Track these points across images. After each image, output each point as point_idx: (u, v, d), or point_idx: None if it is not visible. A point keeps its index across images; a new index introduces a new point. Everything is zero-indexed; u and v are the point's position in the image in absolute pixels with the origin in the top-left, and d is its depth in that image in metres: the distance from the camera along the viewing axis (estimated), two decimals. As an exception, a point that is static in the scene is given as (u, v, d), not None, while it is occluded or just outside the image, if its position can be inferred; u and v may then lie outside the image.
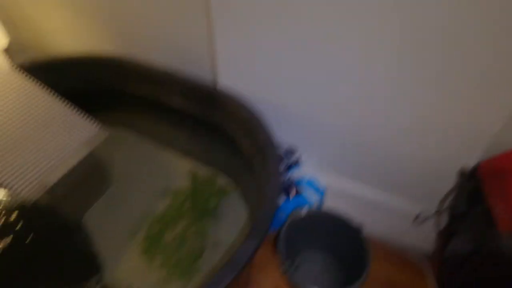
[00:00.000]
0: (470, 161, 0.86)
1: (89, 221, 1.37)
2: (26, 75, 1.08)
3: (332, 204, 1.29)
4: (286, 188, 1.20)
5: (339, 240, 1.14)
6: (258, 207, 0.95)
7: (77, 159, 1.37)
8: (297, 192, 1.18)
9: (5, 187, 1.26)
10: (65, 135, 1.26)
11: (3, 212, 1.27)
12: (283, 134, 1.09)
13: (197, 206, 1.19)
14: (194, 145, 1.51)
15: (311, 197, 1.25)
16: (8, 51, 1.19)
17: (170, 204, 1.25)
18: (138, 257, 1.23)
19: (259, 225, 0.88)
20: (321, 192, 1.24)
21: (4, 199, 1.31)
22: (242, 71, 1.00)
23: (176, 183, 1.36)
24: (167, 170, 1.45)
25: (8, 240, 1.17)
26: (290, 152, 1.17)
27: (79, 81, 1.25)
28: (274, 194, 0.95)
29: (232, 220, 1.31)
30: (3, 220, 1.25)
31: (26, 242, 1.22)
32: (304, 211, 1.16)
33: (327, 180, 1.30)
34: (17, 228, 1.23)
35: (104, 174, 1.46)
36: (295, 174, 1.17)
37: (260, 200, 0.97)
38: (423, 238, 1.10)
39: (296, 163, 1.17)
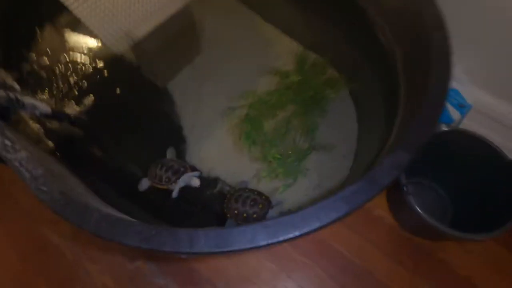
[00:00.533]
0: None
1: (175, 89, 1.23)
2: None
3: (473, 125, 1.01)
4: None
5: (478, 170, 0.89)
6: (411, 115, 0.71)
7: (169, 12, 1.15)
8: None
9: (93, 36, 1.12)
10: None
11: (91, 59, 1.16)
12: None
13: (303, 95, 0.96)
14: (303, 24, 1.21)
15: (452, 113, 0.96)
16: None
17: (273, 88, 1.04)
18: (229, 141, 1.10)
19: (412, 137, 0.64)
20: (464, 108, 0.94)
21: (93, 46, 1.19)
22: None
23: (279, 63, 1.13)
24: (269, 47, 1.20)
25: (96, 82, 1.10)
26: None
27: None
28: (436, 105, 0.68)
29: (339, 122, 1.10)
30: (91, 67, 1.14)
31: (114, 94, 1.14)
32: (441, 128, 0.90)
33: (472, 96, 0.99)
34: (105, 75, 1.13)
35: (196, 38, 1.25)
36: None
37: (415, 106, 0.71)
38: None
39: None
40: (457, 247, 1.09)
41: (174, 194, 0.93)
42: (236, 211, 0.82)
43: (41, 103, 0.83)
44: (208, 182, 0.95)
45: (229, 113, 0.98)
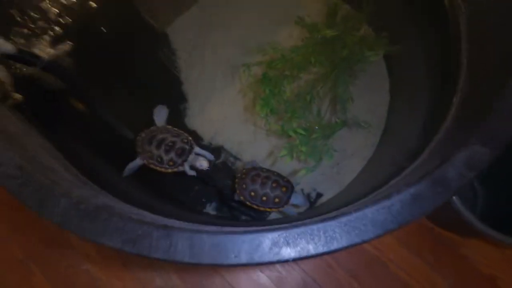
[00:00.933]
0: None
1: (177, 36, 1.03)
2: None
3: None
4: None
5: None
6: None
7: None
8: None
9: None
10: None
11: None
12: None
13: (335, 55, 0.78)
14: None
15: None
16: None
17: (297, 42, 0.84)
18: (240, 105, 0.93)
19: (497, 127, 0.48)
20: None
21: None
22: None
23: (304, 12, 0.92)
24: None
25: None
26: None
27: None
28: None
29: (368, 92, 0.92)
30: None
31: (102, 36, 0.93)
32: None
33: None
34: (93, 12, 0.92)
35: None
36: None
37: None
38: None
39: None
40: (481, 243, 0.98)
41: (189, 172, 0.75)
42: (252, 193, 0.72)
43: (2, 40, 0.63)
44: (211, 151, 0.79)
45: (242, 71, 0.79)
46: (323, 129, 0.69)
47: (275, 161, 0.83)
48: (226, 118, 0.94)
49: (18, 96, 0.66)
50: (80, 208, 0.42)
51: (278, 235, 0.41)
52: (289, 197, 0.72)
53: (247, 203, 0.74)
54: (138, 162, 0.76)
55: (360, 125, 0.77)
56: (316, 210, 0.83)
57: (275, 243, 0.41)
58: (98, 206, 0.43)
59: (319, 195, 0.89)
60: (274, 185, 0.71)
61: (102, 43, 0.93)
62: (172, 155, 0.72)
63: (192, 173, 0.75)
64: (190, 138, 0.77)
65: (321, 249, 0.40)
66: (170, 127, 0.80)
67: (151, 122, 0.82)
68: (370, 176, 0.86)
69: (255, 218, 0.85)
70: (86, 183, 0.54)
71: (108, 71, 0.90)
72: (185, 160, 0.73)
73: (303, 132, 0.66)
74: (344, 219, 0.42)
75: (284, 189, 0.72)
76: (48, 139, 0.58)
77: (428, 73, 0.85)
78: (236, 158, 0.92)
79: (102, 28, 0.93)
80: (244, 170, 0.77)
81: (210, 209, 0.89)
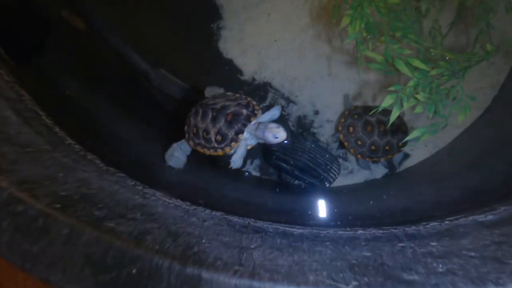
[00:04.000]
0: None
1: None
2: None
3: None
4: None
5: None
6: None
7: None
8: None
9: None
10: None
11: None
12: None
13: None
14: None
15: None
16: None
17: None
18: (301, 19, 0.63)
19: None
20: None
21: None
22: None
23: None
24: None
25: None
26: None
27: None
28: None
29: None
30: None
31: None
32: None
33: None
34: None
35: None
36: None
37: None
38: None
39: None
40: None
41: (236, 163, 0.49)
42: (359, 141, 0.60)
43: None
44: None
45: None
46: (452, 61, 0.40)
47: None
48: (277, 41, 0.65)
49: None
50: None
51: None
52: (398, 151, 0.60)
53: (351, 150, 0.61)
54: (177, 146, 0.52)
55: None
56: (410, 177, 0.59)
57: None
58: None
59: (406, 156, 0.63)
60: (383, 131, 0.59)
61: None
62: (221, 123, 0.47)
63: (239, 164, 0.49)
64: (254, 102, 0.51)
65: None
66: (230, 93, 0.54)
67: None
68: (490, 132, 0.58)
69: (314, 185, 0.62)
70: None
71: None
72: (241, 131, 0.47)
73: (424, 67, 0.37)
74: None
75: (404, 127, 0.59)
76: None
77: None
78: (289, 100, 0.66)
79: None
80: (343, 120, 0.62)
81: (251, 168, 0.67)
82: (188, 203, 0.34)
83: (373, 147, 0.59)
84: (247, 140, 0.48)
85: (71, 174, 0.30)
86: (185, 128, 0.51)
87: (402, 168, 0.64)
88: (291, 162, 0.62)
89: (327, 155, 0.65)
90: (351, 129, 0.60)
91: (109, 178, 0.32)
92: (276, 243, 0.29)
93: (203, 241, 0.26)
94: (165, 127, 0.61)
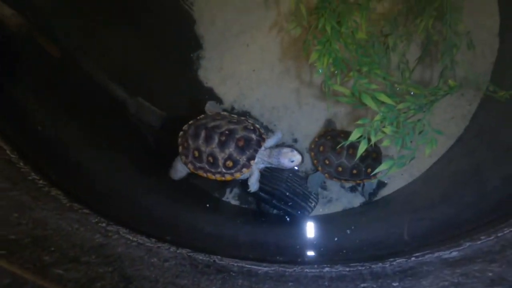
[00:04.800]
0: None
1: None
2: None
3: None
4: None
5: None
6: None
7: None
8: None
9: None
10: None
11: None
12: None
13: None
14: None
15: None
16: None
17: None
18: (275, 51, 0.65)
19: None
20: None
21: None
22: None
23: None
24: None
25: None
26: None
27: None
28: None
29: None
30: None
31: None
32: None
33: None
34: None
35: None
36: None
37: None
38: None
39: None
40: None
41: (254, 186, 0.51)
42: (340, 168, 0.59)
43: None
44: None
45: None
46: (419, 96, 0.41)
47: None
48: (256, 71, 0.67)
49: None
50: None
51: None
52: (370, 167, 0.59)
53: (334, 179, 0.60)
54: (179, 167, 0.52)
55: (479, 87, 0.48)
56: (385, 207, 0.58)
57: None
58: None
59: (382, 184, 0.64)
60: (351, 152, 0.58)
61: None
62: (231, 149, 0.47)
63: (255, 188, 0.51)
64: (257, 125, 0.52)
65: None
66: (226, 113, 0.55)
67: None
68: (463, 163, 0.59)
69: (292, 214, 0.62)
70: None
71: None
72: (253, 157, 0.47)
73: (390, 101, 0.38)
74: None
75: (374, 155, 0.59)
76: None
77: None
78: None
79: None
80: (317, 139, 0.63)
81: (230, 197, 0.66)
82: (154, 240, 0.34)
83: (340, 168, 0.59)
84: (257, 164, 0.49)
85: (27, 214, 0.29)
86: (181, 149, 0.50)
87: (379, 196, 0.64)
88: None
89: (305, 184, 0.64)
90: (321, 148, 0.61)
91: (70, 216, 0.31)
92: (237, 285, 0.28)
93: (158, 285, 0.25)
94: (142, 156, 0.61)
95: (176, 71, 0.69)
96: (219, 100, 0.68)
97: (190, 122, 0.52)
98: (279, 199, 0.61)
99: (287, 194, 0.61)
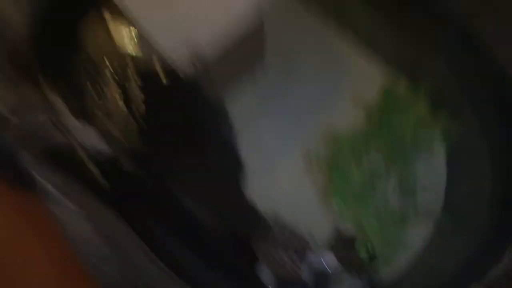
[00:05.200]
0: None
1: (233, 107, 1.08)
2: None
3: None
4: None
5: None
6: None
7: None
8: None
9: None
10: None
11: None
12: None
13: (393, 137, 0.79)
14: (394, 42, 1.02)
15: None
16: None
17: (352, 119, 0.86)
18: (299, 184, 0.92)
19: None
20: None
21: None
22: None
23: (360, 91, 0.94)
24: (347, 68, 1.01)
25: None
26: None
27: None
28: None
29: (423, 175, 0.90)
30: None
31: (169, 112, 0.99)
32: None
33: None
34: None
35: (258, 49, 1.06)
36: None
37: None
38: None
39: None
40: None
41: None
42: None
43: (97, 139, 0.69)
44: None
45: (297, 147, 0.80)
46: (394, 217, 0.69)
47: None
48: (288, 195, 0.91)
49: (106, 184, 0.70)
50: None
51: None
52: None
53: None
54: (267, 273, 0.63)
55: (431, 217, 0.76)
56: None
57: None
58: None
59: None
60: None
61: (168, 119, 1.00)
62: (290, 254, 0.61)
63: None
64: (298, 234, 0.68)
65: None
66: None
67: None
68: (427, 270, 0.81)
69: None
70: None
71: (176, 149, 0.96)
72: (303, 259, 0.60)
73: (375, 223, 0.67)
74: None
75: None
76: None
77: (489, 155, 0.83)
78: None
79: (169, 106, 1.00)
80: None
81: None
82: None
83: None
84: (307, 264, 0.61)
85: None
86: (262, 255, 0.63)
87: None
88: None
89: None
90: None
91: None
92: None
93: None
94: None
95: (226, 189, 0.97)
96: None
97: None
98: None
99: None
